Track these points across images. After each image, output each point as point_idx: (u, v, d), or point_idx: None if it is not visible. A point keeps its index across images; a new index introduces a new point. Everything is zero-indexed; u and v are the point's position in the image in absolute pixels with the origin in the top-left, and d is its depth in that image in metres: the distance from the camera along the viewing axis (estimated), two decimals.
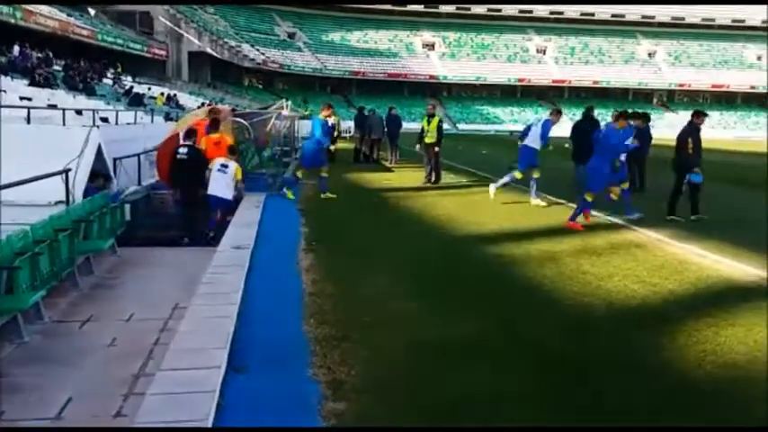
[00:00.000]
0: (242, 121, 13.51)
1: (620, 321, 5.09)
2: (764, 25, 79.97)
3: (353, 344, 4.41)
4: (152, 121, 21.54)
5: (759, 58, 79.27)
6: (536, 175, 11.30)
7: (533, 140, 11.14)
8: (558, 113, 11.89)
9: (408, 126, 28.14)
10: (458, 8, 77.38)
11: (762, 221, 9.98)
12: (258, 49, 63.07)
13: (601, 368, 4.15)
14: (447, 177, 15.59)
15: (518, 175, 11.21)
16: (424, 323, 4.94)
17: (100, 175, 10.49)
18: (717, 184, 16.14)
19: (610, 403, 3.64)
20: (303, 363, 4.06)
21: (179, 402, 3.46)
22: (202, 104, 30.97)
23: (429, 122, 14.82)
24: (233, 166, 10.38)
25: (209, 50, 53.42)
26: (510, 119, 70.75)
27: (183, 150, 10.23)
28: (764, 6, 78.50)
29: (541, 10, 78.22)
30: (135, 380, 4.56)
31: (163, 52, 49.88)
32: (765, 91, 75.53)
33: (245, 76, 67.26)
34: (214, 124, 11.38)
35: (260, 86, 68.16)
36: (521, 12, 78.63)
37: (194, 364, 3.95)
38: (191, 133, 10.51)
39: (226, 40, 58.20)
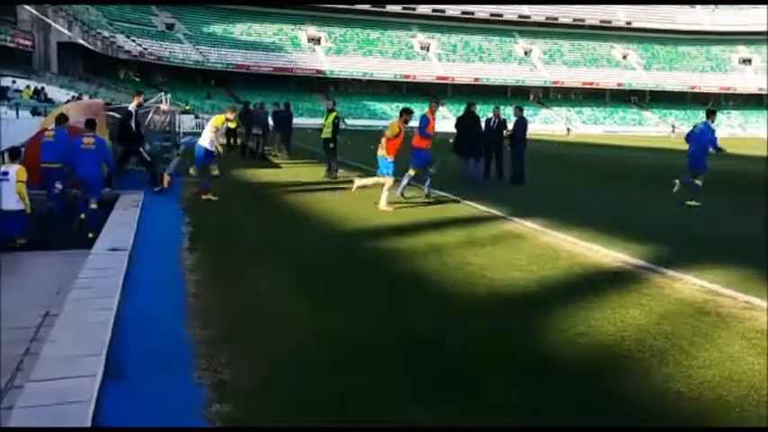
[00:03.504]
0: (117, 115, 12.86)
1: (503, 309, 5.29)
2: (628, 26, 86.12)
3: (240, 344, 4.31)
4: (17, 116, 20.05)
5: (625, 57, 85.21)
6: None
7: None
8: None
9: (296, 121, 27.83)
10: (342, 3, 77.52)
11: (627, 210, 10.73)
12: (134, 41, 60.11)
13: (487, 356, 4.29)
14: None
15: None
16: (313, 321, 4.90)
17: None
18: (591, 176, 17.23)
19: (502, 393, 3.75)
20: (187, 366, 3.92)
21: (50, 415, 3.24)
22: (73, 98, 29.25)
23: (326, 118, 14.93)
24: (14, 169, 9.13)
25: (80, 41, 50.24)
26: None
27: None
28: (629, 9, 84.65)
29: (424, 7, 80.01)
30: (2, 394, 4.22)
31: (29, 42, 46.35)
32: (629, 89, 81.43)
33: (121, 69, 63.96)
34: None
35: (137, 79, 65.00)
36: (404, 9, 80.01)
37: (68, 374, 3.71)
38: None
39: (99, 30, 55.00)
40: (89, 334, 4.37)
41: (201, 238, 7.78)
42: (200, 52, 66.79)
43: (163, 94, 19.99)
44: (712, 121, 11.72)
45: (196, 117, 41.39)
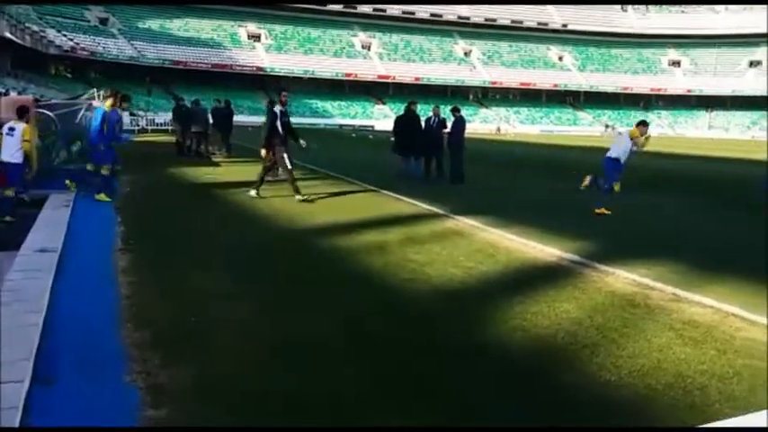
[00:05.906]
0: (47, 112, 12.38)
1: (444, 305, 5.35)
2: (564, 28, 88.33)
3: (177, 346, 4.21)
4: None
5: (561, 59, 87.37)
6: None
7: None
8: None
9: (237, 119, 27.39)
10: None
11: (564, 207, 11.00)
12: (66, 35, 57.93)
13: (429, 353, 4.32)
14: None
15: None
16: (254, 322, 4.83)
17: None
18: (528, 174, 17.64)
19: (444, 389, 3.77)
20: (119, 369, 3.80)
21: None
22: (0, 94, 28.00)
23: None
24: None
25: (8, 35, 48.09)
26: (339, 113, 71.66)
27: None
28: (565, 11, 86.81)
29: (365, 7, 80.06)
30: None
31: None
32: (565, 89, 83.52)
33: (52, 64, 61.53)
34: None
35: (69, 75, 62.65)
36: (345, 7, 79.86)
37: None
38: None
39: (27, 24, 52.76)
40: (16, 337, 4.20)
41: (136, 238, 7.56)
42: (136, 48, 64.92)
43: (95, 90, 19.33)
44: None
45: (132, 114, 40.21)
